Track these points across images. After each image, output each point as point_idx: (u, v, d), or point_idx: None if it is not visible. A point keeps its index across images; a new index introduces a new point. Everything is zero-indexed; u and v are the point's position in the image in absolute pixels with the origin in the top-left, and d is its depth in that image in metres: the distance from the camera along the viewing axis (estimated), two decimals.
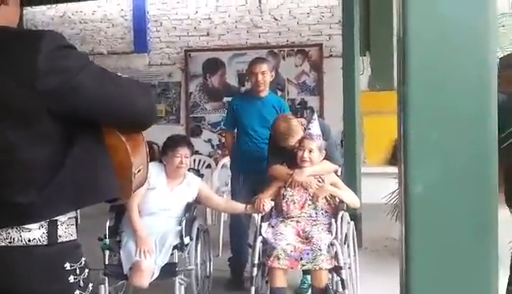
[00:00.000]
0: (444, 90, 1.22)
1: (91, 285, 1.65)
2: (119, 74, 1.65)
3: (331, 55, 8.26)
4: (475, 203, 1.21)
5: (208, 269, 4.41)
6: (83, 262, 1.63)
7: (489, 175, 1.21)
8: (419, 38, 1.21)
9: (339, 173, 4.27)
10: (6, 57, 1.46)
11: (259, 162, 4.55)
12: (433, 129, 1.21)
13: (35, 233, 1.51)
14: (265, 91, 4.66)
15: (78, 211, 1.64)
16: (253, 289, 3.60)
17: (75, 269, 1.58)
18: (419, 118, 1.22)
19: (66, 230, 1.57)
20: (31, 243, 1.51)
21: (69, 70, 1.47)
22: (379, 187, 5.42)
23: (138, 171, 1.68)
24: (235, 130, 4.85)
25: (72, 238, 1.60)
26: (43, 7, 8.70)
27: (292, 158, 4.01)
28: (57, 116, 1.48)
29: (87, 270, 1.63)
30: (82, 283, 1.60)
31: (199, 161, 7.16)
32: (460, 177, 1.21)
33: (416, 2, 1.22)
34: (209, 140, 8.36)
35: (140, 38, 8.73)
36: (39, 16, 8.86)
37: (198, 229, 4.07)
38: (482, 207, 1.21)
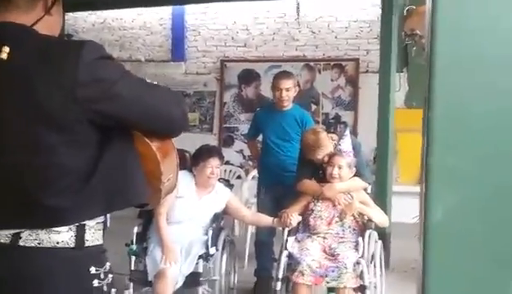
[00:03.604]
0: (469, 115, 1.19)
1: (114, 290, 1.66)
2: (154, 82, 1.69)
3: (368, 71, 8.19)
4: (497, 234, 1.17)
5: (232, 281, 4.40)
6: (108, 267, 1.64)
7: None
8: (446, 60, 1.18)
9: (369, 191, 4.21)
10: (48, 65, 1.50)
11: (279, 174, 4.56)
12: (456, 155, 1.18)
13: (64, 235, 1.54)
14: (288, 106, 4.65)
15: (108, 215, 1.66)
16: None
17: (100, 273, 1.60)
18: (441, 144, 1.19)
19: (93, 235, 1.60)
20: (59, 245, 1.54)
21: (108, 80, 1.52)
22: (412, 206, 5.31)
23: (168, 180, 1.69)
24: (260, 141, 4.88)
25: (98, 243, 1.62)
26: (85, 13, 8.85)
27: (321, 174, 3.98)
28: (94, 123, 1.52)
29: (111, 275, 1.65)
30: (105, 288, 1.61)
31: (230, 171, 7.17)
32: (481, 206, 1.17)
33: (444, 19, 1.19)
34: (241, 151, 8.37)
35: (177, 47, 8.82)
36: (80, 22, 9.04)
37: (224, 239, 4.07)
38: (503, 238, 1.17)
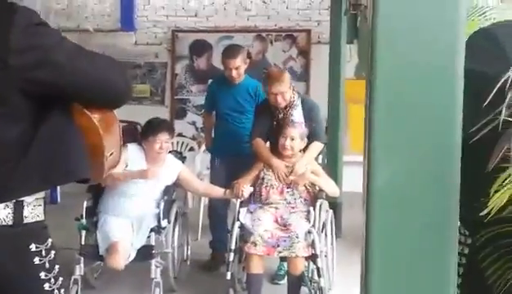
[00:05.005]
0: (411, 85, 1.21)
1: (57, 267, 1.62)
2: (94, 51, 1.62)
3: (319, 42, 8.20)
4: (436, 201, 1.21)
5: (185, 253, 4.41)
6: (50, 244, 1.60)
7: (451, 175, 1.20)
8: (387, 32, 1.19)
9: (320, 161, 4.26)
10: None
11: (233, 145, 4.58)
12: (398, 125, 1.20)
13: (0, 213, 1.49)
14: (240, 79, 4.62)
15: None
16: (229, 274, 3.60)
17: (41, 250, 1.56)
18: (384, 113, 1.21)
19: (33, 211, 1.55)
20: None
21: (43, 47, 1.45)
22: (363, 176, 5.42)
23: (110, 155, 1.65)
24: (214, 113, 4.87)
25: (39, 219, 1.57)
26: None
27: (275, 140, 3.99)
28: (30, 93, 1.45)
29: (53, 252, 1.61)
30: (47, 265, 1.58)
31: (183, 143, 7.12)
32: (421, 174, 1.21)
33: None
34: (193, 123, 8.30)
35: (127, 16, 8.59)
36: None
37: (176, 212, 4.06)
38: (442, 205, 1.21)
